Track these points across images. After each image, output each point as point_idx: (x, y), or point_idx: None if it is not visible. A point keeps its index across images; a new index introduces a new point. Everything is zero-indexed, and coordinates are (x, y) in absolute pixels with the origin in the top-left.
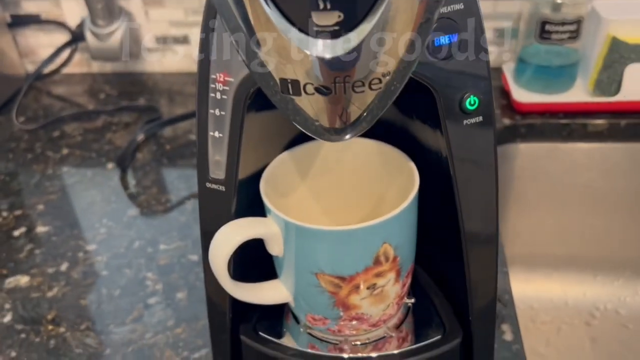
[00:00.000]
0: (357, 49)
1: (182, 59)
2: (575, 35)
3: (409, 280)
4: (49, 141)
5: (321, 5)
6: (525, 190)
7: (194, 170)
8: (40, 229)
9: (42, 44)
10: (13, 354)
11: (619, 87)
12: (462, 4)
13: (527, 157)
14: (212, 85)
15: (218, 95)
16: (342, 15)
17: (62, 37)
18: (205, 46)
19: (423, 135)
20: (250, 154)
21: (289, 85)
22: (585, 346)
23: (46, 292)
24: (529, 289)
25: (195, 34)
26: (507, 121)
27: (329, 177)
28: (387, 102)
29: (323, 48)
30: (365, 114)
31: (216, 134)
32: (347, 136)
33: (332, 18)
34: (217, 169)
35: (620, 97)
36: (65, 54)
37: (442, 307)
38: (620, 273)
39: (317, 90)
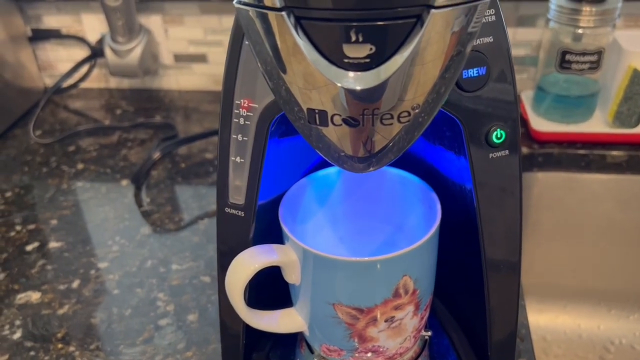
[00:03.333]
0: (387, 81)
1: (199, 77)
2: (595, 66)
3: (427, 314)
4: (64, 155)
5: (353, 38)
6: (541, 219)
7: (208, 189)
8: (53, 245)
9: (61, 58)
10: None
11: (639, 119)
12: (491, 37)
13: (544, 186)
14: (236, 111)
15: (241, 121)
16: (373, 48)
17: (82, 52)
18: (230, 71)
19: (446, 167)
20: (270, 179)
21: (317, 116)
22: None
23: (57, 309)
24: (543, 320)
25: (213, 53)
26: (524, 150)
27: (348, 204)
28: (414, 135)
29: (353, 80)
30: (391, 145)
31: (238, 159)
32: (371, 167)
33: (363, 51)
34: (237, 194)
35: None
36: (83, 69)
37: (459, 341)
38: (635, 307)
39: (345, 121)
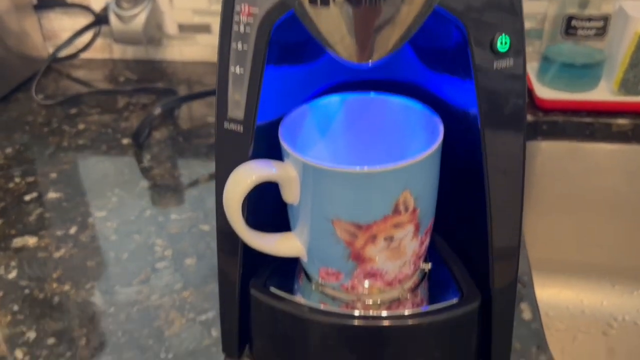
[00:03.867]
0: None
1: (203, 48)
2: (601, 32)
3: (427, 240)
4: (66, 117)
5: None
6: (544, 190)
7: (209, 148)
8: (52, 195)
9: (66, 27)
10: (15, 307)
11: None
12: None
13: (548, 155)
14: (236, 18)
15: (241, 28)
16: None
17: (86, 22)
18: None
19: (450, 94)
20: (269, 102)
21: None
22: (601, 356)
23: (53, 252)
24: (545, 295)
25: (218, 24)
26: (529, 118)
27: (349, 133)
28: (420, 19)
29: None
30: (392, 29)
31: (237, 69)
32: (372, 57)
33: None
34: (236, 109)
35: None
36: (86, 38)
37: (459, 273)
38: (639, 283)
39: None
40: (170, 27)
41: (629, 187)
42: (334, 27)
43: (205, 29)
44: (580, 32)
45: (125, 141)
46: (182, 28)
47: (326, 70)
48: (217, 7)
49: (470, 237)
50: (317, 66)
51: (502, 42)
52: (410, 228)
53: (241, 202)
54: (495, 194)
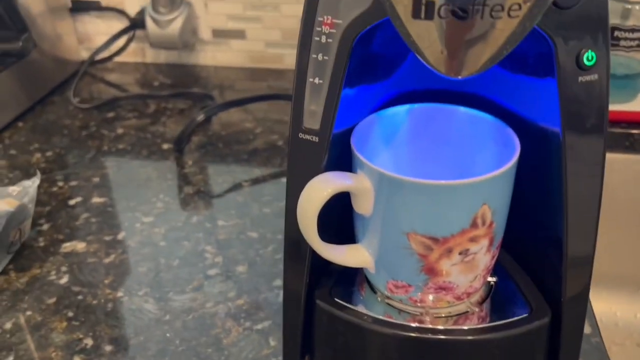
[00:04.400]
0: None
1: (237, 54)
2: None
3: (497, 253)
4: (104, 121)
5: None
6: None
7: (249, 154)
8: (96, 200)
9: (100, 31)
10: (70, 314)
11: None
12: None
13: None
14: (318, 29)
15: (323, 39)
16: None
17: (120, 26)
18: None
19: (524, 107)
20: (341, 115)
21: (423, 7)
22: None
23: (103, 258)
24: None
25: (252, 30)
26: None
27: (416, 143)
28: (522, 34)
29: None
30: (496, 45)
31: (316, 80)
32: (469, 70)
33: None
34: (312, 119)
35: None
36: (120, 41)
37: (527, 287)
38: None
39: (453, 13)
40: (205, 32)
41: None
42: (430, 39)
43: (239, 34)
44: (622, 42)
45: (166, 146)
46: (216, 33)
47: (397, 81)
48: (252, 12)
49: (537, 250)
50: (390, 78)
51: (589, 58)
52: (485, 242)
53: (317, 213)
54: (574, 207)
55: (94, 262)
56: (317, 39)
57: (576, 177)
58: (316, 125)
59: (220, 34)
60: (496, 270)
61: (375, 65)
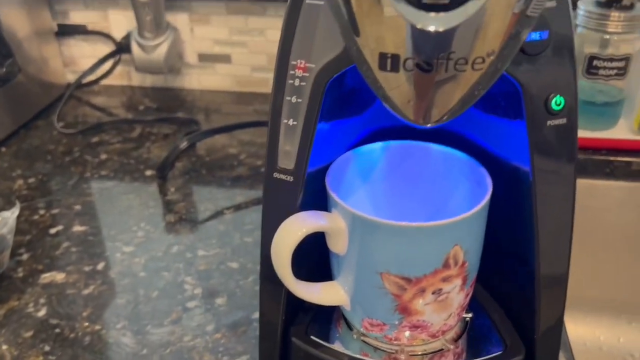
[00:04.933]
0: (465, 24)
1: (222, 78)
2: (622, 72)
3: (471, 291)
4: (87, 146)
5: None
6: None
7: (233, 181)
8: (77, 228)
9: (86, 54)
10: (47, 348)
11: None
12: (555, 1)
13: None
14: (292, 72)
15: (296, 82)
16: None
17: (106, 49)
18: (287, 32)
19: (496, 145)
20: (316, 150)
21: (388, 60)
22: None
23: (82, 289)
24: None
25: (238, 54)
26: None
27: (391, 181)
28: (487, 84)
29: (430, 21)
30: (461, 96)
31: (290, 121)
32: (435, 121)
33: None
34: (287, 159)
35: None
36: (107, 65)
37: (502, 323)
38: None
39: (418, 66)
40: (191, 57)
41: None
42: (397, 89)
43: (225, 58)
44: (601, 71)
45: (149, 172)
46: (202, 57)
47: (371, 117)
48: (238, 37)
49: (512, 285)
50: (364, 114)
51: (557, 103)
52: (458, 281)
53: (290, 253)
54: (545, 245)
55: (73, 294)
56: (290, 82)
57: (546, 218)
58: (291, 165)
59: (206, 58)
60: (472, 306)
61: (350, 102)
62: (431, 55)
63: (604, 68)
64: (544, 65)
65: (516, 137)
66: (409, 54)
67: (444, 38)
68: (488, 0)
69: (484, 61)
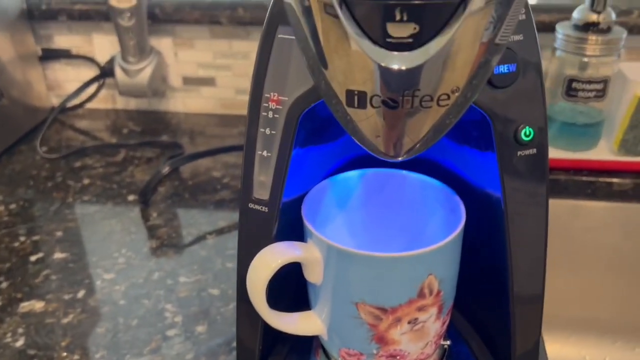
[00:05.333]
0: (429, 62)
1: (207, 101)
2: (601, 94)
3: (448, 319)
4: (70, 171)
5: (397, 17)
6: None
7: (216, 205)
8: (58, 255)
9: (70, 78)
10: None
11: None
12: (522, 35)
13: (551, 213)
14: (265, 104)
15: (270, 114)
16: (417, 27)
17: (90, 73)
18: (260, 65)
19: (470, 173)
20: (291, 180)
21: (356, 97)
22: None
23: (61, 318)
24: (547, 352)
25: (222, 77)
26: None
27: (367, 210)
28: (452, 120)
29: (395, 60)
30: (428, 131)
31: (264, 153)
32: (405, 155)
33: (407, 30)
34: (262, 189)
35: None
36: (91, 89)
37: (479, 350)
38: None
39: (384, 103)
40: (175, 80)
41: (630, 244)
42: (365, 126)
43: (209, 82)
44: (581, 93)
45: (131, 197)
46: (187, 80)
47: (347, 145)
48: (221, 60)
49: (488, 311)
50: (338, 144)
51: (526, 134)
52: (433, 310)
53: (265, 284)
54: (519, 273)
55: (52, 323)
56: (264, 114)
57: (519, 244)
58: (265, 196)
59: (190, 82)
60: (450, 333)
61: (326, 130)
62: (397, 93)
63: (583, 90)
64: (512, 97)
65: (489, 166)
66: (376, 91)
67: (409, 76)
68: (453, 38)
69: (449, 97)
